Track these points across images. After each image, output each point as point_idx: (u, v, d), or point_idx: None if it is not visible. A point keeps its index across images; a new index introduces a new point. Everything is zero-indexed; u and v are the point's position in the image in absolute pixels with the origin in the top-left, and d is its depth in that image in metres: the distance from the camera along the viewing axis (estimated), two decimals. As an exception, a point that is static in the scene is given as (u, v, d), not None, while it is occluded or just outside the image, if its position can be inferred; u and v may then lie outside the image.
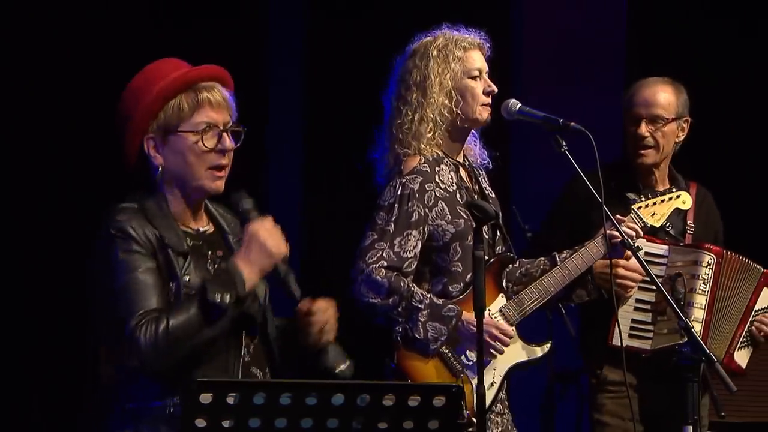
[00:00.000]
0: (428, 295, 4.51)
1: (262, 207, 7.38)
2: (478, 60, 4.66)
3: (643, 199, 5.01)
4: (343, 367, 3.69)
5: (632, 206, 4.95)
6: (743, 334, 5.18)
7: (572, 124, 4.50)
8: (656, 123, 5.20)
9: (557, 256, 4.75)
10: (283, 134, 7.29)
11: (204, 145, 3.60)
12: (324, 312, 3.68)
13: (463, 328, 4.49)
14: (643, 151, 5.21)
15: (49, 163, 6.39)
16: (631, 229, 4.78)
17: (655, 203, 5.01)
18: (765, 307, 5.23)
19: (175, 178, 3.63)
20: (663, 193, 5.06)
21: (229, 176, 3.68)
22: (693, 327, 4.45)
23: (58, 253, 6.31)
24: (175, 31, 6.74)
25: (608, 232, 4.62)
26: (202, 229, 3.69)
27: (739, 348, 5.18)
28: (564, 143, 4.51)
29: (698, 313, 5.06)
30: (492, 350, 4.51)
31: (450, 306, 4.50)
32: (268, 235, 3.56)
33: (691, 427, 4.47)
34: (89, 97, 6.38)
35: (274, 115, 7.23)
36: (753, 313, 5.19)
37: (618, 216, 4.76)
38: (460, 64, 4.62)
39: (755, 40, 7.24)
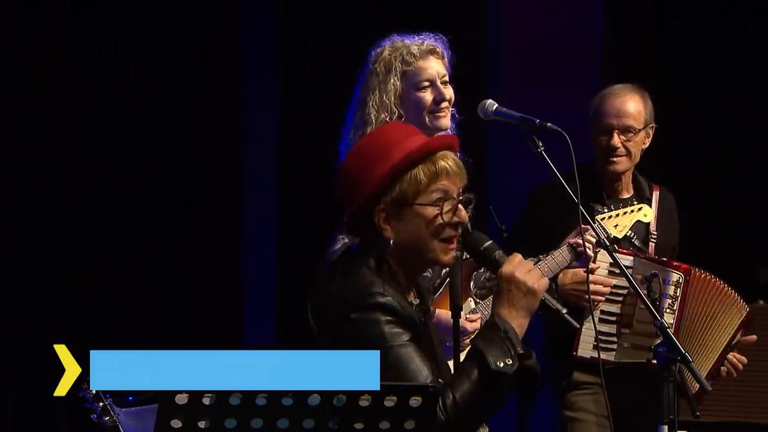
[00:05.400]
0: None
1: (237, 210, 7.37)
2: (428, 68, 4.55)
3: (606, 210, 5.04)
4: None
5: (596, 217, 4.98)
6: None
7: (549, 124, 4.49)
8: (627, 133, 5.22)
9: None
10: (259, 135, 7.27)
11: (442, 218, 3.50)
12: None
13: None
14: (615, 159, 5.23)
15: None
16: (593, 237, 4.79)
17: (618, 215, 5.04)
18: (735, 342, 5.22)
19: (404, 251, 3.53)
20: (625, 205, 5.09)
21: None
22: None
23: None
24: (149, 35, 6.75)
25: (574, 240, 4.65)
26: (414, 302, 3.60)
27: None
28: (540, 144, 4.50)
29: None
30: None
31: None
32: (525, 273, 3.47)
33: (666, 426, 4.48)
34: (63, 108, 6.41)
35: (250, 118, 7.21)
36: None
37: (583, 226, 4.78)
38: (404, 77, 4.51)
39: (730, 39, 7.27)
